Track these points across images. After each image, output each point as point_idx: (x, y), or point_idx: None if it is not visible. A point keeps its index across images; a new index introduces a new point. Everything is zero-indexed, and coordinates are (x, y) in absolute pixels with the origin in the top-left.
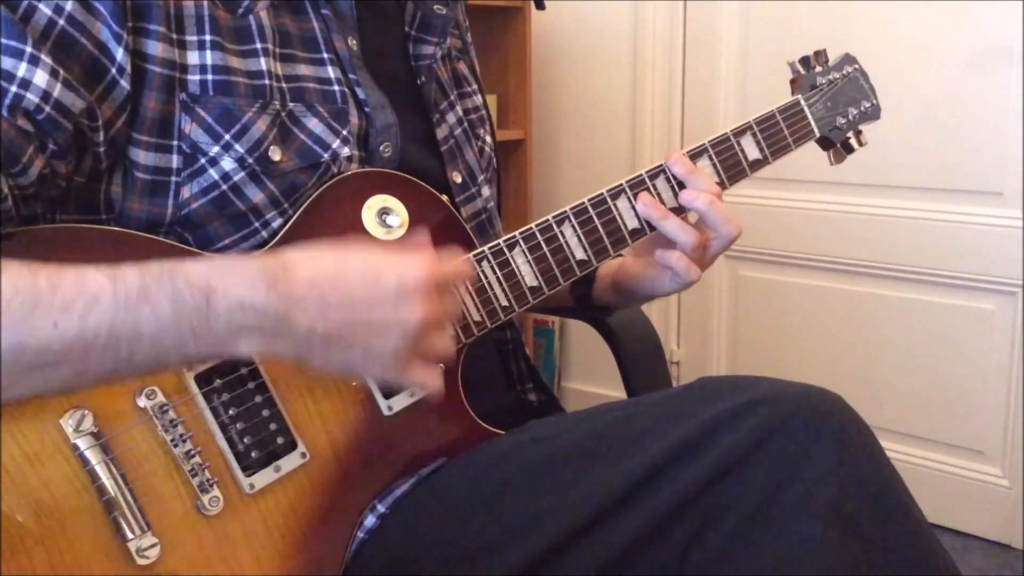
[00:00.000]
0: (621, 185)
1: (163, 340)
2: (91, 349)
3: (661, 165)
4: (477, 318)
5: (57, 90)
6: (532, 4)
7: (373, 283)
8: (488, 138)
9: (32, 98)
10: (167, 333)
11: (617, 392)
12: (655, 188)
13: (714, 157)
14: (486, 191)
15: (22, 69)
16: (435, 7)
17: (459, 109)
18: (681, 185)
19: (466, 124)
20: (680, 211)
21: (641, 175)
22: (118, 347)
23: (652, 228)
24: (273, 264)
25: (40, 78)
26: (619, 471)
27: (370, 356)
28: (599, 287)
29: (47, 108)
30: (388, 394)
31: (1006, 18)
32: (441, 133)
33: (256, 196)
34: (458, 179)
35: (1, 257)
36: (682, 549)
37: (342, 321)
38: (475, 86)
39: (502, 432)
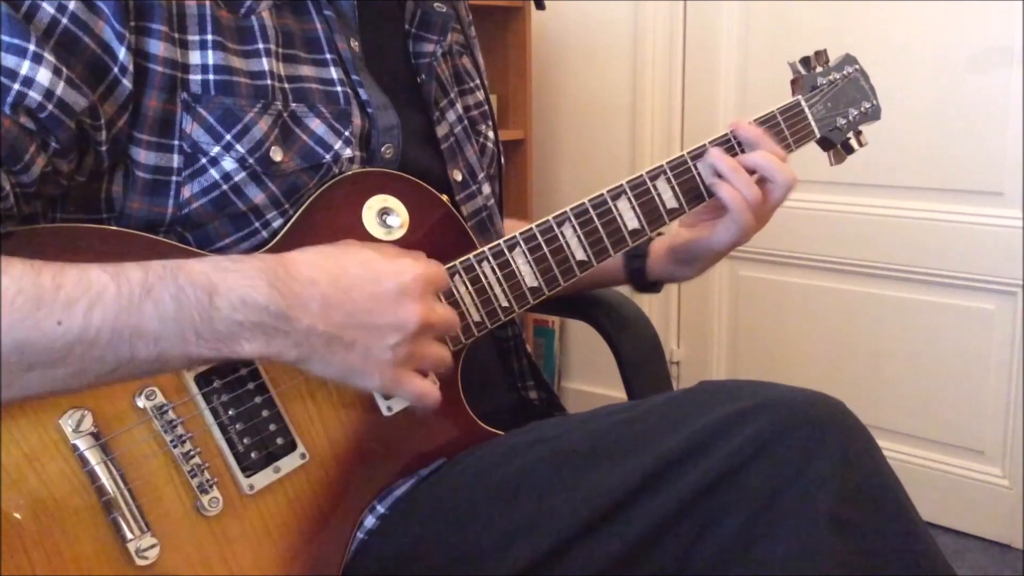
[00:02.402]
0: (621, 186)
1: (165, 338)
2: (94, 347)
3: (662, 165)
4: (477, 318)
5: (60, 88)
6: (532, 4)
7: (373, 284)
8: (490, 133)
9: (35, 96)
10: (170, 331)
11: (617, 392)
12: (655, 188)
13: (737, 145)
14: (486, 188)
15: (25, 67)
16: (435, 5)
17: (459, 107)
18: (684, 184)
19: (467, 121)
20: (694, 203)
21: (642, 175)
22: (120, 345)
23: (653, 228)
24: (274, 263)
25: (43, 76)
26: (621, 473)
27: (369, 359)
28: (653, 260)
29: (50, 106)
30: (388, 395)
31: (1006, 18)
32: (441, 131)
33: (257, 196)
34: (458, 177)
35: (3, 255)
36: (683, 552)
37: (342, 321)
38: (477, 81)
39: (502, 433)
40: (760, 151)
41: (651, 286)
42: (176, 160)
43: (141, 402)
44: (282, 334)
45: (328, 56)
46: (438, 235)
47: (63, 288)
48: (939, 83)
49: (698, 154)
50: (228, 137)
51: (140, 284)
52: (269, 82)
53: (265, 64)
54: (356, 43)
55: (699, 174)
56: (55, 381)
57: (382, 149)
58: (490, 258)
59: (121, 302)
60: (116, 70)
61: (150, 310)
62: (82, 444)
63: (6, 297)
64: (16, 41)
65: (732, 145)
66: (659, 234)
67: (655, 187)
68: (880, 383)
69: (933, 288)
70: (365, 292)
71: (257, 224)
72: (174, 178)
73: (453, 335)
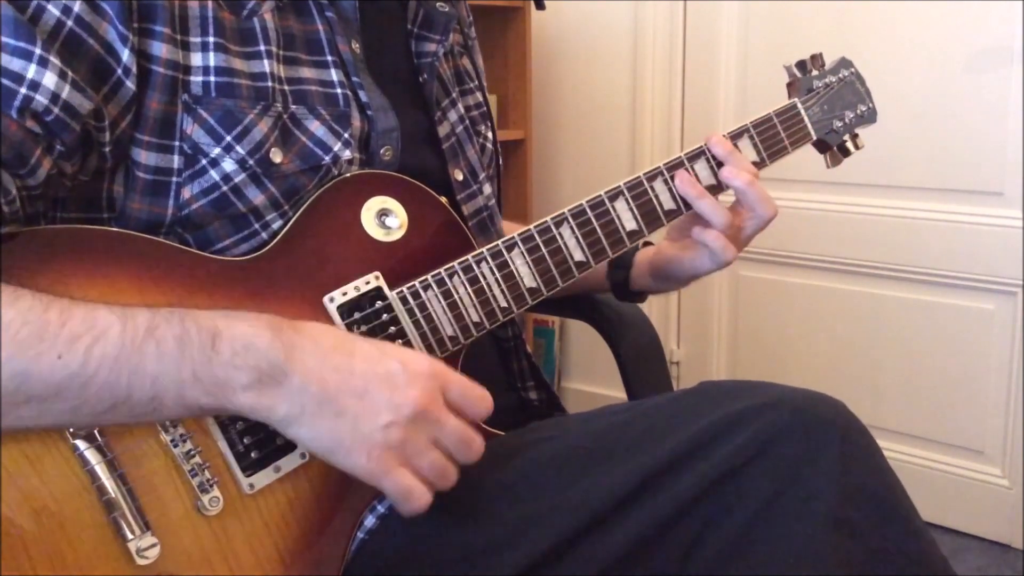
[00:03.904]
0: (619, 187)
1: (163, 379)
2: (91, 384)
3: (659, 167)
4: (476, 319)
5: (66, 92)
6: (532, 4)
7: (377, 358)
8: (489, 134)
9: (41, 100)
10: (168, 372)
11: (617, 392)
12: (652, 190)
13: (712, 159)
14: (487, 188)
15: (31, 71)
16: (438, 4)
17: (461, 106)
18: (716, 166)
19: (467, 121)
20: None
21: (639, 177)
22: (117, 383)
23: (650, 229)
24: (281, 319)
25: (49, 80)
26: (621, 474)
27: (357, 434)
28: (637, 273)
29: (56, 110)
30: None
31: (1006, 18)
32: (443, 131)
33: (256, 198)
34: (459, 177)
35: (12, 286)
36: (683, 552)
37: (337, 386)
38: (477, 82)
39: (502, 433)
40: (743, 175)
41: (635, 295)
42: (176, 161)
43: None
44: (276, 386)
45: (329, 58)
46: (437, 236)
47: (68, 324)
48: (939, 83)
49: (695, 156)
50: (228, 138)
51: (145, 325)
52: (269, 84)
53: (266, 66)
54: (357, 44)
55: (697, 176)
56: (50, 415)
57: (381, 151)
58: (488, 259)
59: (124, 340)
60: (119, 72)
61: (152, 350)
62: (82, 444)
63: (9, 329)
64: (22, 44)
65: (708, 158)
66: (648, 243)
67: (652, 188)
68: (880, 383)
69: (933, 288)
70: (367, 364)
71: (257, 225)
72: (174, 179)
73: (465, 460)
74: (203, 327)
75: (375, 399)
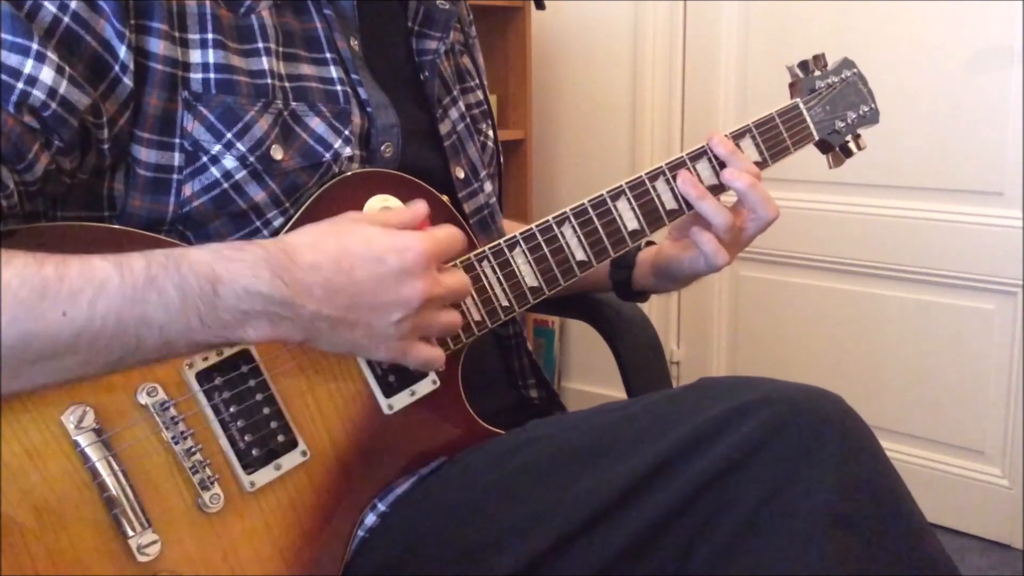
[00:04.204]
0: (621, 186)
1: (171, 327)
2: (99, 337)
3: (661, 167)
4: (477, 318)
5: (63, 87)
6: (532, 4)
7: (375, 264)
8: (490, 132)
9: (38, 95)
10: (174, 320)
11: (617, 392)
12: (654, 189)
13: (714, 160)
14: (488, 186)
15: (28, 66)
16: (438, 2)
17: (462, 104)
18: (722, 165)
19: (469, 119)
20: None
21: (641, 177)
22: (126, 335)
23: (652, 229)
24: (276, 250)
25: (46, 75)
26: (620, 470)
27: (374, 336)
28: (639, 272)
29: (53, 105)
30: (388, 393)
31: (1006, 18)
32: (444, 128)
33: (257, 195)
34: (461, 174)
35: (4, 248)
36: (683, 548)
37: (346, 303)
38: (477, 80)
39: (502, 431)
40: (745, 176)
41: (637, 295)
42: (177, 158)
43: (143, 399)
44: (287, 320)
45: (328, 55)
46: None
47: (67, 279)
48: (939, 83)
49: (697, 156)
50: (229, 135)
51: (143, 274)
52: (269, 81)
53: (265, 63)
54: (356, 42)
55: (699, 176)
56: (62, 371)
57: (382, 148)
58: (490, 257)
59: (125, 291)
60: (117, 68)
61: (154, 299)
62: (83, 440)
63: (9, 289)
64: (19, 40)
65: (710, 158)
66: (651, 243)
67: (654, 188)
68: (880, 383)
69: (933, 288)
70: (367, 272)
71: (258, 223)
72: (175, 176)
73: (461, 300)
74: (201, 273)
75: (384, 302)
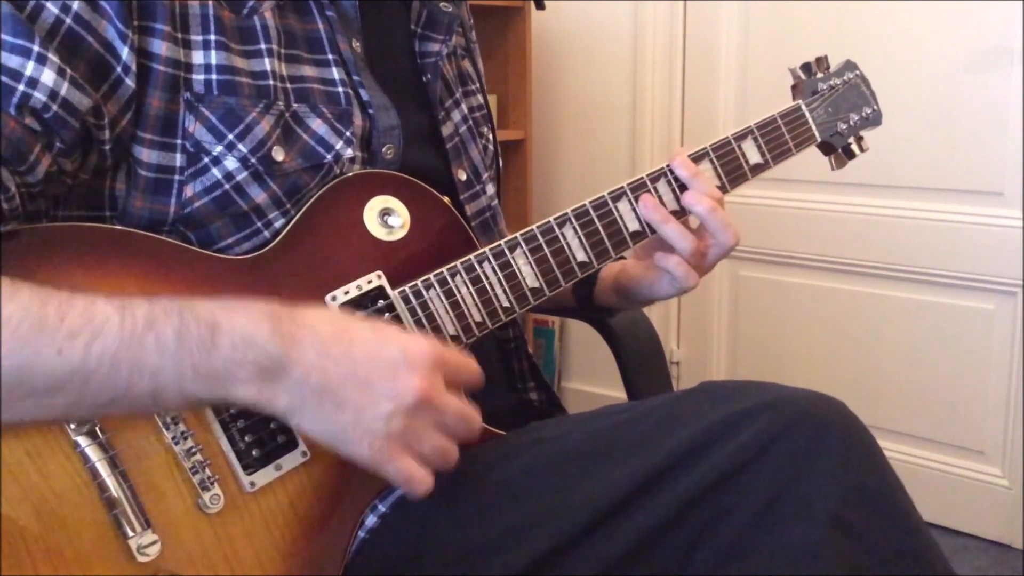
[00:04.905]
0: (622, 187)
1: (163, 373)
2: (91, 379)
3: (663, 167)
4: (478, 318)
5: (64, 89)
6: (532, 4)
7: (376, 347)
8: (491, 135)
9: (40, 97)
10: (168, 366)
11: (617, 392)
12: (656, 191)
13: (715, 160)
14: (490, 188)
15: (30, 68)
16: (441, 5)
17: (464, 107)
18: (683, 187)
19: (471, 122)
20: (681, 214)
21: (642, 178)
22: (118, 378)
23: (653, 230)
24: (281, 309)
25: (48, 77)
26: (622, 474)
27: (360, 425)
28: (601, 289)
29: (54, 107)
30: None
31: (1006, 18)
32: (446, 131)
33: (259, 196)
34: (463, 176)
35: (11, 267)
36: (684, 552)
37: (338, 377)
38: (478, 84)
39: (502, 433)
40: (706, 200)
41: (601, 310)
42: (179, 159)
43: None
44: (276, 379)
45: (330, 56)
46: (439, 236)
47: (67, 319)
48: (939, 83)
49: (697, 157)
50: (230, 136)
51: (144, 318)
52: (271, 82)
53: (267, 64)
54: (358, 44)
55: (661, 199)
56: (50, 409)
57: (383, 149)
58: (491, 258)
59: (123, 335)
60: (119, 70)
61: (151, 343)
62: (84, 441)
63: (10, 324)
64: (20, 42)
65: (669, 180)
66: (621, 257)
67: (656, 189)
68: (880, 383)
69: (933, 288)
70: (367, 351)
71: (259, 224)
72: (176, 177)
73: (465, 437)
74: (202, 320)
75: (376, 389)
